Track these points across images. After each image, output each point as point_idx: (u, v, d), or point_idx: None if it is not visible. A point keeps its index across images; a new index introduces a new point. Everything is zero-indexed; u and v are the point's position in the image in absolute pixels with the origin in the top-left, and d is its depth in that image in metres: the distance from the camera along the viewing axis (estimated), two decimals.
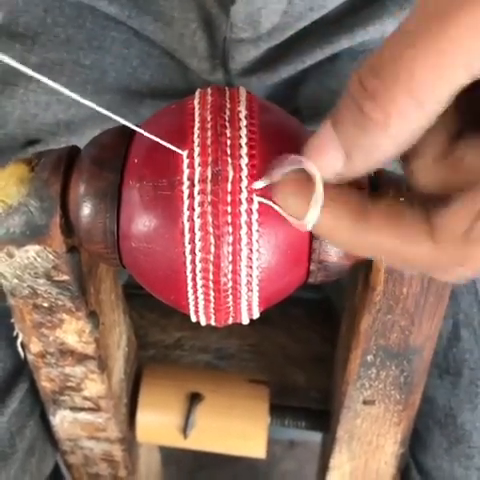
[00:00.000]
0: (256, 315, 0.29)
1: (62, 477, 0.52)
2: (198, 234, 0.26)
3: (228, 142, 0.27)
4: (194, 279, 0.27)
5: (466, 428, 0.43)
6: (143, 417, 0.47)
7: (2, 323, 0.40)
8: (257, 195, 0.26)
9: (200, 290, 0.28)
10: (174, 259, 0.27)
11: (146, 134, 0.27)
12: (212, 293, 0.27)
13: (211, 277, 0.27)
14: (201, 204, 0.26)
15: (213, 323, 0.29)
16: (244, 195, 0.26)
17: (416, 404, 0.40)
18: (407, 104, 0.20)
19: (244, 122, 0.27)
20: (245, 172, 0.26)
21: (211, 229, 0.26)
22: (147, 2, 0.46)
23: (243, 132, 0.27)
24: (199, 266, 0.27)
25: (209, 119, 0.27)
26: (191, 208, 0.26)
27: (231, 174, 0.26)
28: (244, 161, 0.27)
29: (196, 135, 0.27)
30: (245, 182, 0.26)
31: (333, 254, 0.29)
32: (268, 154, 0.27)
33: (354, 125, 0.21)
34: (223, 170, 0.26)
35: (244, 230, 0.27)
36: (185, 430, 0.47)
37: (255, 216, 0.27)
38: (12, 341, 0.40)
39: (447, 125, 0.23)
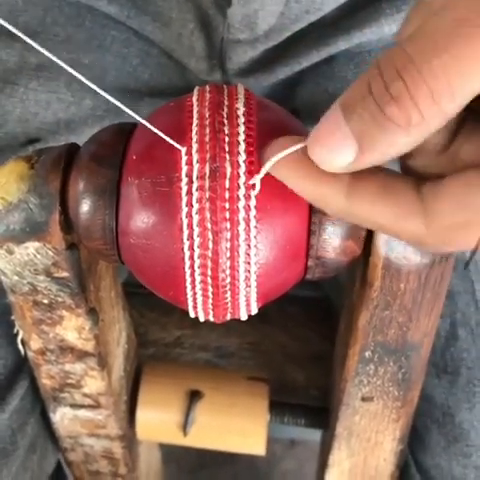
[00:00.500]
0: (254, 311, 0.29)
1: (65, 476, 0.52)
2: (196, 230, 0.27)
3: (226, 139, 0.27)
4: (192, 275, 0.27)
5: (464, 427, 0.43)
6: (143, 414, 0.47)
7: (3, 321, 0.41)
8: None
9: (198, 286, 0.28)
10: (172, 255, 0.27)
11: (150, 126, 0.27)
12: (210, 289, 0.28)
13: (209, 273, 0.27)
14: (199, 200, 0.26)
15: (211, 319, 0.29)
16: (242, 191, 0.27)
17: (414, 401, 0.40)
18: (431, 110, 0.21)
19: (242, 119, 0.28)
20: (243, 169, 0.27)
21: (209, 225, 0.26)
22: (145, 2, 0.47)
23: (241, 129, 0.27)
24: (197, 262, 0.27)
25: (207, 116, 0.27)
26: (189, 204, 0.27)
27: (229, 171, 0.27)
28: (242, 158, 0.27)
29: (194, 132, 0.27)
30: (243, 179, 0.27)
31: (331, 250, 0.29)
32: None
33: (373, 122, 0.21)
34: (221, 167, 0.27)
35: (242, 226, 0.27)
36: (185, 427, 0.47)
37: (253, 212, 0.27)
38: (13, 338, 0.40)
39: (448, 122, 0.24)
